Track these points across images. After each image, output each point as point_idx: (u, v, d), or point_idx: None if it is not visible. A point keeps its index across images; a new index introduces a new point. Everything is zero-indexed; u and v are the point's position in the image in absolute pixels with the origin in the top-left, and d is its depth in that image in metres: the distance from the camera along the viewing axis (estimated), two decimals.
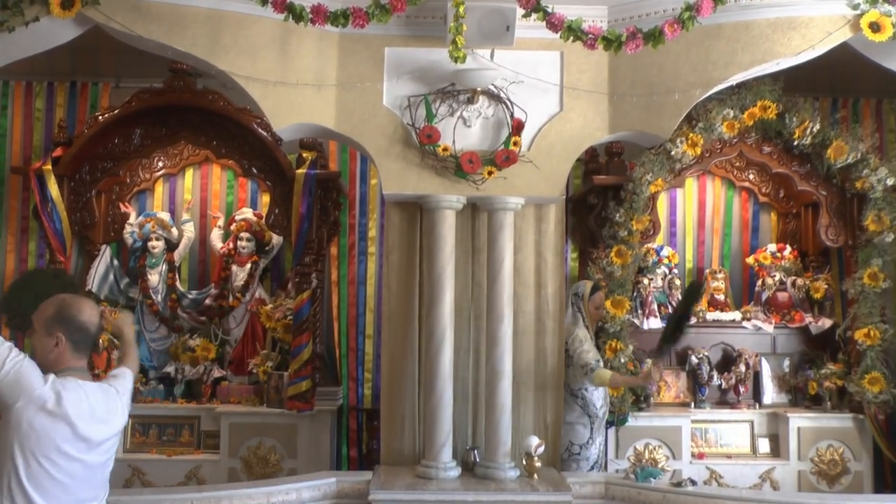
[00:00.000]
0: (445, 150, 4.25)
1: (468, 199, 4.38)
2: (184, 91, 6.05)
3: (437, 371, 4.21)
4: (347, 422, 6.45)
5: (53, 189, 6.01)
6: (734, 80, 4.43)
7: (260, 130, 5.89)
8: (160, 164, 6.68)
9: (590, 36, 3.98)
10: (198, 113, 6.15)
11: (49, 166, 6.00)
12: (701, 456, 5.63)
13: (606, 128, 4.49)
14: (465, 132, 4.36)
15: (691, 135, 5.27)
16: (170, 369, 6.29)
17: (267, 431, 5.79)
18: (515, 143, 4.30)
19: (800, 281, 6.14)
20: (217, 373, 6.26)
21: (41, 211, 6.02)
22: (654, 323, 5.88)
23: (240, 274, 6.38)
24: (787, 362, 6.02)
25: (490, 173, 4.27)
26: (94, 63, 6.50)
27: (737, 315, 6.06)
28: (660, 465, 5.24)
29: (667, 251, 6.23)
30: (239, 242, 6.38)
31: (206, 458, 5.87)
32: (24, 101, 6.77)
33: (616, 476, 4.43)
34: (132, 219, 6.52)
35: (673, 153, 5.31)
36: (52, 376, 2.58)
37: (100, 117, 6.18)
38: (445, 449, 4.19)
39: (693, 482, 4.20)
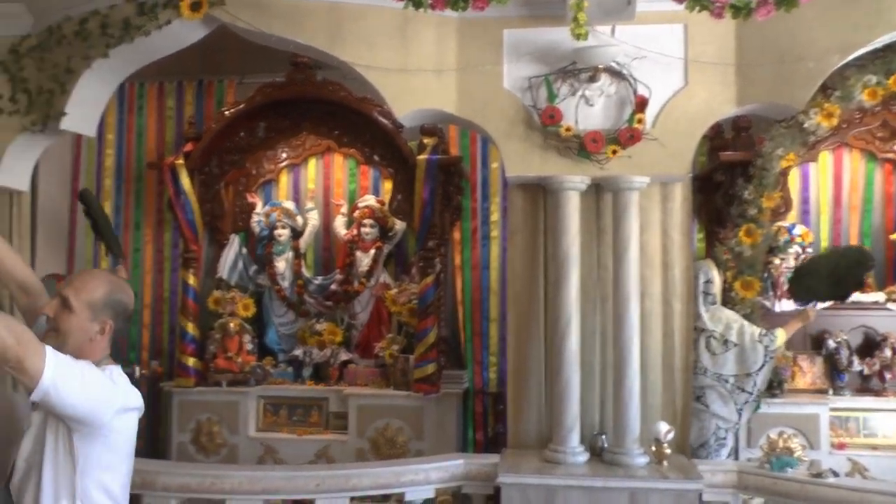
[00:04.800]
0: (568, 130, 4.18)
1: (592, 180, 4.29)
2: (305, 84, 6.21)
3: (563, 355, 4.16)
4: (473, 405, 6.48)
5: (185, 182, 6.29)
6: (879, 42, 4.15)
7: (381, 118, 5.97)
8: (284, 155, 6.88)
9: (717, 4, 3.81)
10: (319, 104, 6.31)
11: (181, 161, 6.30)
12: (841, 446, 5.33)
13: (734, 101, 4.30)
14: (587, 111, 4.27)
15: (826, 105, 4.96)
16: (298, 352, 6.50)
17: (394, 413, 5.91)
18: (639, 121, 4.18)
19: None
20: (344, 356, 6.43)
21: (175, 203, 6.34)
22: (787, 305, 5.63)
23: (364, 260, 6.50)
24: None
25: (614, 152, 4.17)
26: (219, 61, 6.76)
27: (880, 296, 5.71)
28: (795, 455, 5.00)
29: (799, 229, 5.93)
30: (362, 229, 6.49)
31: (335, 438, 6.05)
32: (157, 100, 7.12)
33: (749, 465, 4.27)
34: (259, 208, 6.76)
35: (806, 125, 5.02)
36: (107, 369, 2.38)
37: (226, 112, 6.43)
38: (573, 434, 4.14)
39: (835, 473, 3.99)
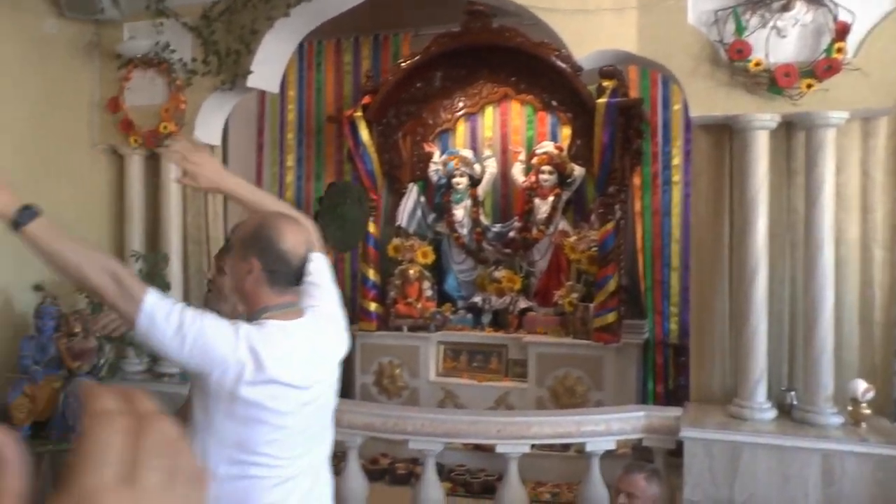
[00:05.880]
0: (758, 64, 3.87)
1: (783, 117, 3.97)
2: (481, 31, 6.19)
3: (749, 304, 3.92)
4: (653, 356, 6.34)
5: (364, 133, 6.49)
6: None
7: (559, 63, 5.86)
8: (461, 104, 6.90)
9: None
10: (496, 51, 6.27)
11: (359, 113, 6.49)
12: None
13: None
14: (779, 43, 3.93)
15: None
16: (477, 299, 6.57)
17: (573, 362, 5.87)
18: (839, 50, 3.80)
19: None
20: (523, 303, 6.43)
21: (354, 154, 6.57)
22: None
23: (542, 207, 6.45)
24: None
25: (809, 86, 3.83)
26: (394, 15, 6.87)
27: None
28: None
29: None
30: (541, 176, 6.43)
31: (514, 385, 6.09)
32: (335, 57, 7.35)
33: None
34: (436, 157, 6.83)
35: None
36: (243, 329, 2.06)
37: (402, 64, 6.52)
38: (759, 388, 3.91)
39: None
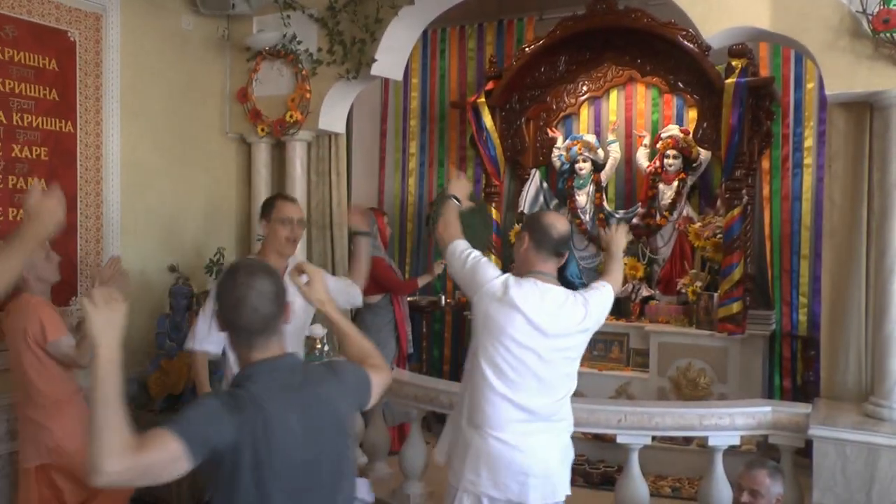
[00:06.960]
0: None
1: None
2: (606, 13, 6.04)
3: (889, 296, 3.65)
4: (780, 349, 6.02)
5: (487, 119, 6.46)
6: None
7: (686, 43, 5.65)
8: (584, 88, 6.78)
9: None
10: (621, 33, 6.12)
11: (483, 99, 6.47)
12: None
13: None
14: None
15: None
16: None
17: (696, 353, 5.66)
18: None
19: None
20: (645, 292, 6.27)
21: (477, 140, 6.54)
22: None
23: (667, 192, 6.25)
24: None
25: None
26: (518, 0, 6.79)
27: None
28: None
29: None
30: (665, 160, 6.23)
31: (635, 375, 5.95)
32: (459, 43, 7.35)
33: None
34: (559, 142, 6.75)
35: None
36: (506, 275, 2.97)
37: (526, 49, 6.44)
38: None
39: None
